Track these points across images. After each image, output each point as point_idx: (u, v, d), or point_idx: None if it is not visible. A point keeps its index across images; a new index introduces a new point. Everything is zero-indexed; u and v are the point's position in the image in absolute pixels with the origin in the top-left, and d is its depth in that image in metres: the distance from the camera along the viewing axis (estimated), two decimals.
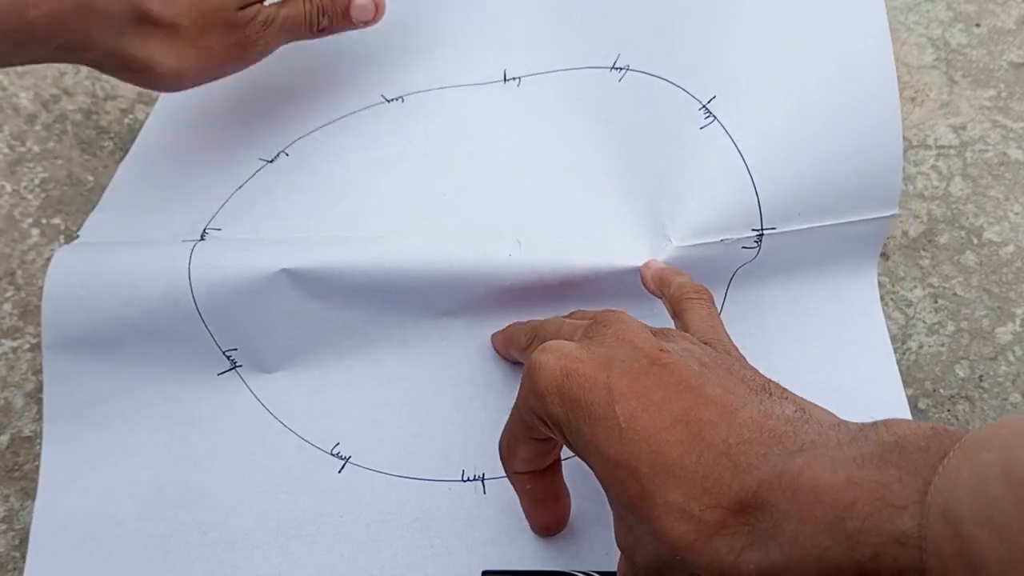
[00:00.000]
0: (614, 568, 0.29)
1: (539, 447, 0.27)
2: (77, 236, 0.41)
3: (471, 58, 0.42)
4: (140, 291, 0.35)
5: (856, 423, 0.21)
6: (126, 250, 0.36)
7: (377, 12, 0.39)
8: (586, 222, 0.36)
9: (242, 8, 0.36)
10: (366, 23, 0.39)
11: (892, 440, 0.19)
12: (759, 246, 0.34)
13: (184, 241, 0.36)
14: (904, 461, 0.18)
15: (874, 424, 0.20)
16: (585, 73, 0.40)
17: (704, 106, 0.35)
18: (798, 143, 0.33)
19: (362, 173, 0.39)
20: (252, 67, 0.38)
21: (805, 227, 0.34)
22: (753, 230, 0.33)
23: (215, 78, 0.38)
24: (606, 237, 0.35)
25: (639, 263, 0.33)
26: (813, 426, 0.21)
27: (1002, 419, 0.17)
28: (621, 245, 0.34)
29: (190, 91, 0.37)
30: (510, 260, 0.34)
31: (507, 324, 0.35)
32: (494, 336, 0.35)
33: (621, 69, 0.39)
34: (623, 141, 0.37)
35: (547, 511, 0.31)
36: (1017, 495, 0.16)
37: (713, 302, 0.30)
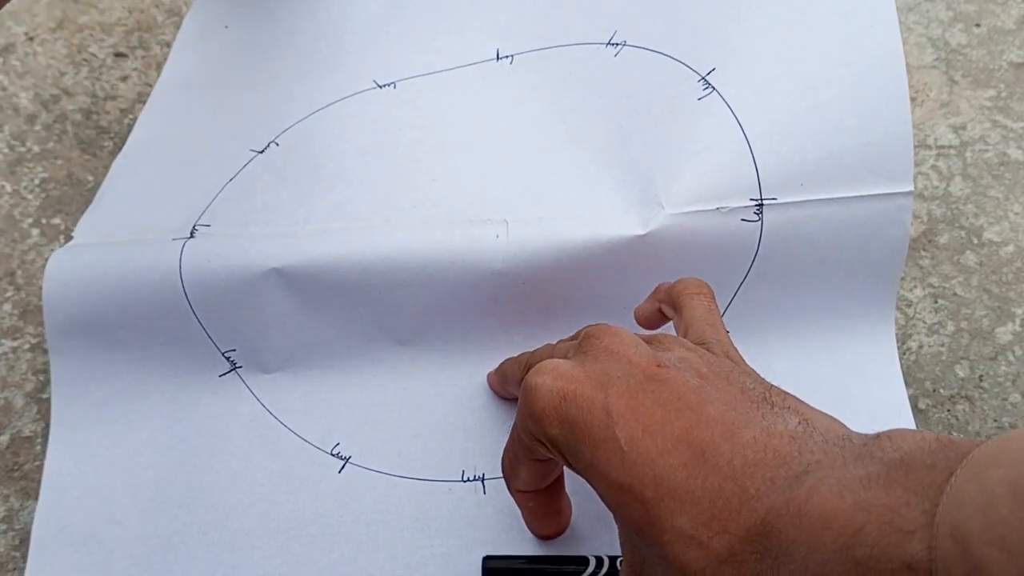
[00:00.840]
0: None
1: (540, 468, 0.27)
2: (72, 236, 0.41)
3: (464, 39, 0.42)
4: (136, 295, 0.35)
5: (860, 435, 0.21)
6: (120, 251, 0.36)
7: None
8: (576, 197, 0.35)
9: None
10: None
11: (897, 457, 0.19)
12: (760, 219, 0.33)
13: (174, 239, 0.36)
14: (910, 481, 0.18)
15: (877, 437, 0.20)
16: (579, 49, 0.39)
17: (703, 78, 0.34)
18: (799, 112, 0.33)
19: (352, 162, 0.39)
20: (245, 55, 0.37)
21: (809, 199, 0.33)
22: (752, 200, 0.33)
23: None
24: (597, 209, 0.34)
25: (630, 232, 0.33)
26: (817, 442, 0.21)
27: (1010, 434, 0.17)
28: (612, 216, 0.34)
29: (184, 82, 0.36)
30: (497, 241, 0.34)
31: (505, 324, 0.35)
32: (489, 376, 0.35)
33: (617, 45, 0.38)
34: (618, 114, 0.36)
35: (548, 525, 0.31)
36: None
37: (714, 298, 0.29)
